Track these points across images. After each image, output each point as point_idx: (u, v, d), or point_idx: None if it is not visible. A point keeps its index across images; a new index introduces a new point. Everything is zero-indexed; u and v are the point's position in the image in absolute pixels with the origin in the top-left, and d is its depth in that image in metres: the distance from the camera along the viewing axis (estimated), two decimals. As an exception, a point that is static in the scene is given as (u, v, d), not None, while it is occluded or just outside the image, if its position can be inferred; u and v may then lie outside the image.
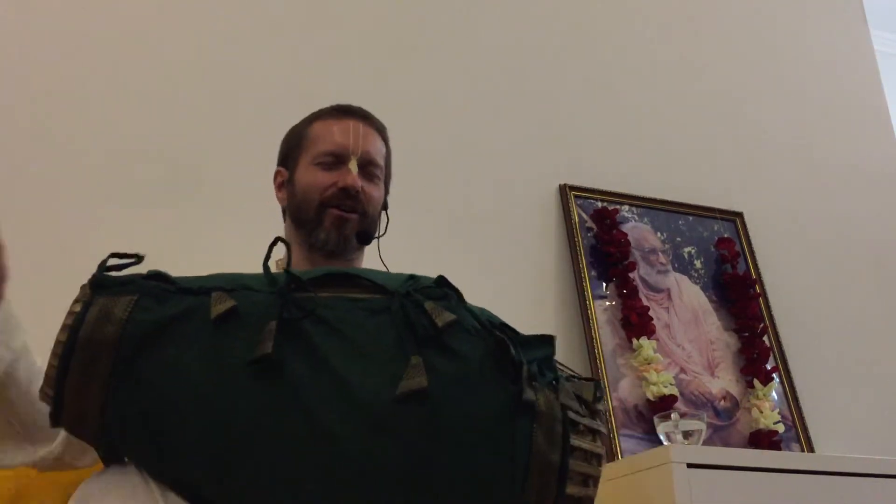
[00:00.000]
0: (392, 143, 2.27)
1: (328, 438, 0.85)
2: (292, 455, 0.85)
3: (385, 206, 1.49)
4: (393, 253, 1.92)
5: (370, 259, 1.51)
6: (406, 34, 2.36)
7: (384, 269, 1.46)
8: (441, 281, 0.97)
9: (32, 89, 1.92)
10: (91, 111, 1.95)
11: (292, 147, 1.48)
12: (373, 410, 0.85)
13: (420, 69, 2.33)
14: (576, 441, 0.90)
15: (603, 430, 0.94)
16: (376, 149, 1.46)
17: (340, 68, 2.22)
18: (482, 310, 0.98)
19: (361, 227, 1.41)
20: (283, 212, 1.49)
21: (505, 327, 0.95)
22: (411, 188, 2.18)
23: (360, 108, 1.50)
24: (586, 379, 0.96)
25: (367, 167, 1.43)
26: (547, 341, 0.96)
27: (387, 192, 1.50)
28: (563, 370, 0.96)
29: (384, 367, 0.88)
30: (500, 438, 0.87)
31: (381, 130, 1.50)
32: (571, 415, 0.90)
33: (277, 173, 1.49)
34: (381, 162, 1.47)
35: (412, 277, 0.98)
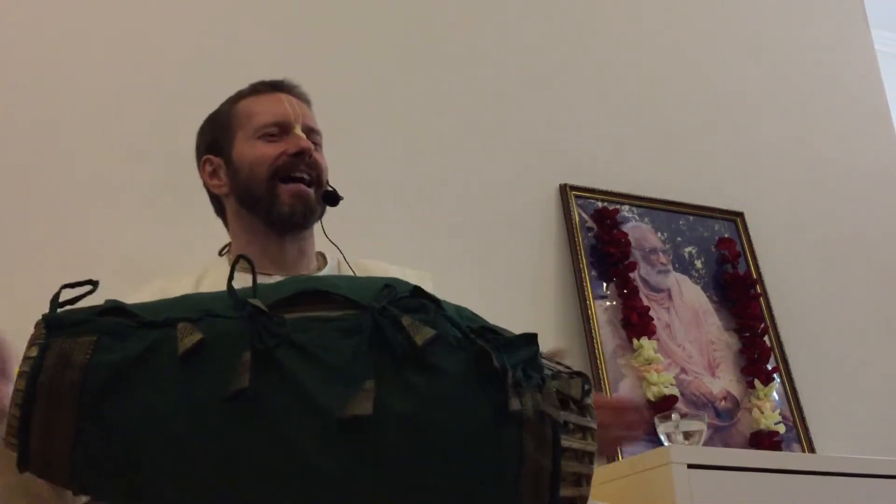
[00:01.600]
0: (392, 143, 2.26)
1: (308, 466, 0.82)
2: (276, 490, 0.83)
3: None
4: (393, 253, 1.92)
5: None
6: (406, 34, 2.35)
7: (335, 248, 1.44)
8: (417, 291, 0.92)
9: (32, 89, 1.92)
10: (90, 111, 1.95)
11: (219, 131, 1.43)
12: (351, 434, 0.82)
13: (420, 69, 2.32)
14: (566, 441, 0.88)
15: (593, 425, 0.91)
16: (313, 118, 1.43)
17: (340, 68, 2.21)
18: (461, 311, 0.94)
19: (324, 191, 1.39)
20: (217, 201, 1.45)
21: (486, 331, 0.91)
22: (411, 188, 2.18)
23: (282, 80, 1.46)
24: (573, 374, 0.94)
25: (310, 135, 1.40)
26: (530, 340, 0.92)
27: None
28: (550, 367, 0.94)
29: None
30: (488, 450, 0.85)
31: (309, 102, 1.47)
32: (560, 415, 0.88)
33: (205, 162, 1.43)
34: (318, 128, 1.43)
35: (387, 286, 0.92)
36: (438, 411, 0.85)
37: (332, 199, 1.41)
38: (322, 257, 1.48)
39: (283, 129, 1.38)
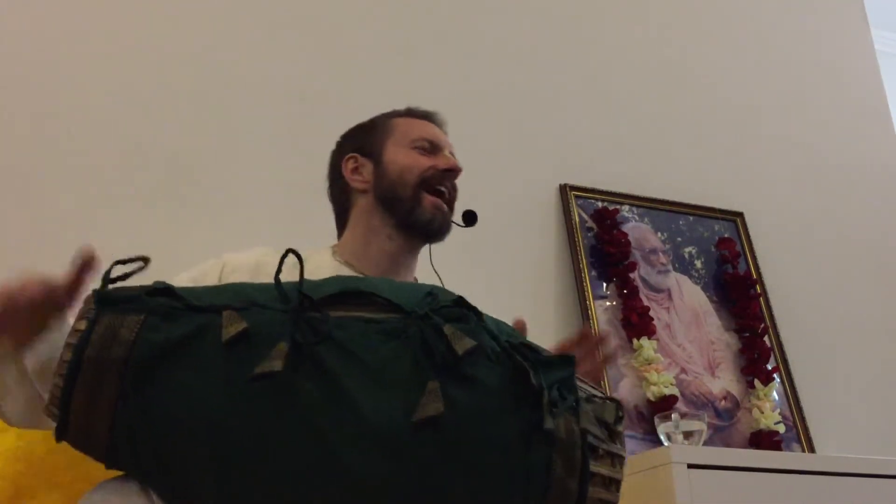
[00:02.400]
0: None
1: (339, 464, 0.83)
2: (302, 480, 0.84)
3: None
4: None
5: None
6: (406, 34, 2.35)
7: (437, 278, 1.48)
8: (460, 301, 0.94)
9: (31, 89, 1.92)
10: (90, 111, 1.95)
11: (371, 135, 1.50)
12: (386, 437, 0.83)
13: (420, 69, 2.32)
14: (595, 467, 0.88)
15: (623, 453, 0.92)
16: (451, 147, 1.53)
17: (340, 68, 2.22)
18: (500, 325, 0.95)
19: (466, 210, 1.49)
20: (347, 197, 1.49)
21: (525, 347, 0.92)
22: (411, 188, 2.18)
23: (435, 112, 1.56)
24: (607, 399, 0.94)
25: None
26: (567, 362, 0.92)
27: None
28: (583, 389, 0.93)
29: (399, 394, 0.85)
30: (517, 467, 0.85)
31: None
32: (591, 440, 0.88)
33: (350, 159, 1.49)
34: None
35: (430, 294, 0.94)
36: (472, 422, 0.85)
37: (472, 218, 1.51)
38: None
39: (434, 147, 1.47)
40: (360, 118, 2.16)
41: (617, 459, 0.91)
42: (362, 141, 1.51)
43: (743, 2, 2.93)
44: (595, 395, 0.94)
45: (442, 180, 1.44)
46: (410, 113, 1.54)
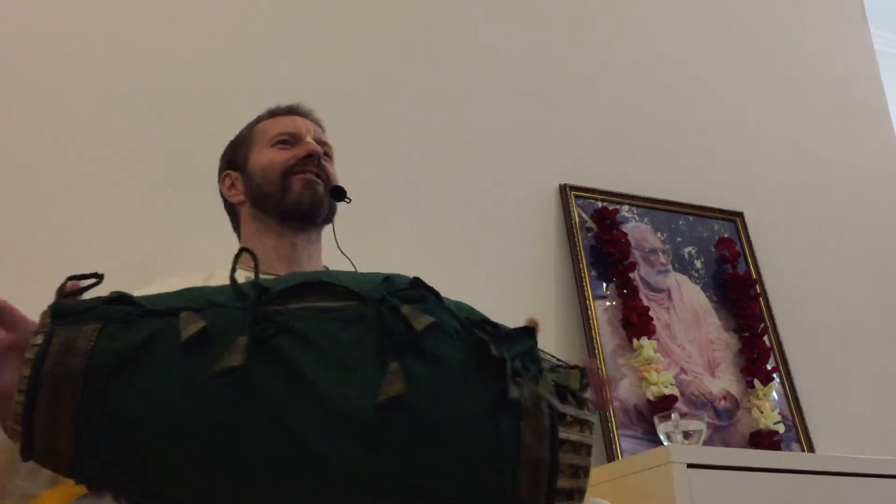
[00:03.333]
0: (391, 144, 2.27)
1: (312, 454, 0.82)
2: (277, 473, 0.83)
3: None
4: (393, 253, 1.92)
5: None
6: (405, 34, 2.36)
7: (348, 261, 1.49)
8: (417, 282, 0.94)
9: (31, 89, 1.92)
10: (90, 111, 1.95)
11: (238, 148, 1.54)
12: (355, 422, 0.83)
13: (419, 69, 2.33)
14: (564, 433, 0.89)
15: (591, 418, 0.92)
16: (324, 135, 1.54)
17: (340, 68, 2.22)
18: (460, 304, 0.95)
19: (332, 186, 1.46)
20: (234, 214, 1.54)
21: (485, 323, 0.92)
22: (411, 188, 2.18)
23: (297, 105, 1.57)
24: (572, 367, 0.95)
25: (321, 146, 1.49)
26: (528, 333, 0.93)
27: None
28: (547, 360, 0.95)
29: (363, 378, 0.85)
30: (487, 439, 0.86)
31: (322, 127, 1.57)
32: (558, 406, 0.89)
33: (225, 177, 1.54)
34: (329, 144, 1.54)
35: (387, 279, 0.94)
36: (437, 398, 0.85)
37: (339, 193, 1.48)
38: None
39: (294, 138, 1.49)
40: (359, 117, 2.18)
41: (586, 425, 0.91)
42: (231, 156, 1.55)
43: (743, 2, 2.93)
44: (559, 365, 0.95)
45: (304, 168, 1.45)
46: (272, 113, 1.56)
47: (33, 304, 0.97)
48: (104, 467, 0.86)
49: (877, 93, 3.02)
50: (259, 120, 1.57)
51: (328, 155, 1.52)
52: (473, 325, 0.91)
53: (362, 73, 2.23)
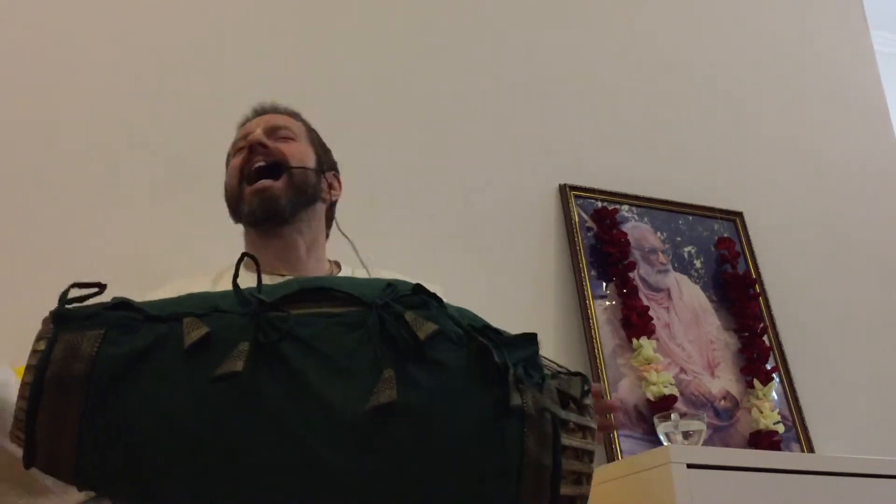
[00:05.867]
0: (392, 144, 2.26)
1: (316, 460, 0.83)
2: (281, 479, 0.83)
3: (323, 167, 1.53)
4: (393, 254, 1.92)
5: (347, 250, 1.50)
6: (405, 34, 2.36)
7: (349, 251, 1.51)
8: (419, 288, 0.94)
9: (31, 88, 1.92)
10: (91, 111, 1.95)
11: (227, 162, 1.57)
12: (357, 428, 0.83)
13: (419, 69, 2.33)
14: (566, 440, 0.89)
15: (592, 424, 0.93)
16: (280, 119, 1.53)
17: (340, 68, 2.22)
18: (463, 311, 0.95)
19: (269, 166, 1.45)
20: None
21: (488, 329, 0.92)
22: (411, 189, 2.18)
23: (261, 105, 1.58)
24: (573, 374, 0.95)
25: (275, 132, 1.49)
26: (530, 340, 0.93)
27: (319, 155, 1.54)
28: (549, 367, 0.95)
29: (365, 384, 0.85)
30: (490, 446, 0.86)
31: (289, 113, 1.57)
32: (560, 413, 0.89)
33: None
34: (290, 125, 1.53)
35: (389, 285, 0.94)
36: (441, 404, 0.85)
37: (274, 169, 1.46)
38: (337, 265, 1.53)
39: (247, 141, 1.49)
40: (358, 117, 2.18)
41: (588, 431, 0.92)
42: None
43: (743, 2, 2.93)
44: (561, 372, 0.95)
45: (251, 161, 1.46)
46: (241, 125, 1.58)
47: (39, 305, 0.97)
48: (107, 473, 0.86)
49: (877, 93, 3.02)
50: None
51: (283, 137, 1.50)
52: (476, 332, 0.91)
53: (362, 73, 2.23)
